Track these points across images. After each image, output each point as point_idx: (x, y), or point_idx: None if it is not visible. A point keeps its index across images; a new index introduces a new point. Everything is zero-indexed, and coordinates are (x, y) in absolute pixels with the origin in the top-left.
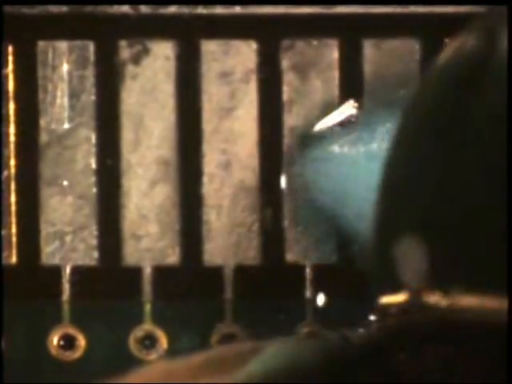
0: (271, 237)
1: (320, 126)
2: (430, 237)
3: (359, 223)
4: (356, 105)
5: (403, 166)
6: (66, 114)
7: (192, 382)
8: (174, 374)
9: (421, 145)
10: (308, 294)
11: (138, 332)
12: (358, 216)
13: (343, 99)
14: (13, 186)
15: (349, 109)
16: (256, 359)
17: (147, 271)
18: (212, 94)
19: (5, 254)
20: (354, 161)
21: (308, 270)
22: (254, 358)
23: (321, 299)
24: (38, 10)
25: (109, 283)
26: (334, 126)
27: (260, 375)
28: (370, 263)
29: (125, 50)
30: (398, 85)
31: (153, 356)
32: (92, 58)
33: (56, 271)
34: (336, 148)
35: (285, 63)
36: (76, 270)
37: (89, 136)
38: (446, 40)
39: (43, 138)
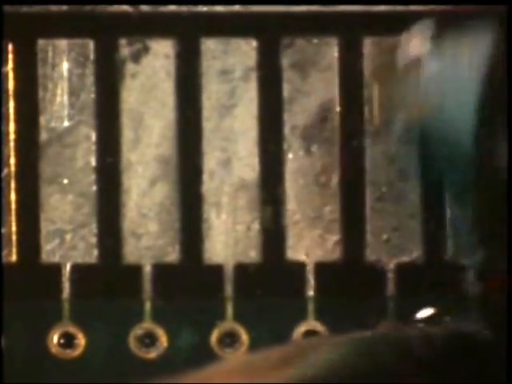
0: (271, 235)
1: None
2: None
3: (452, 128)
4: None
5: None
6: (65, 112)
7: (270, 375)
8: (253, 367)
9: None
10: (309, 292)
11: (138, 330)
12: (452, 120)
13: (343, 97)
14: (13, 184)
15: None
16: (326, 354)
17: (147, 269)
18: (212, 92)
19: (5, 252)
20: (457, 69)
21: (309, 268)
22: (329, 353)
23: (322, 297)
24: (37, 8)
25: (109, 281)
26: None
27: (332, 370)
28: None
29: (125, 49)
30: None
31: (153, 354)
32: (92, 56)
33: (56, 269)
34: (440, 56)
35: (285, 61)
36: (76, 268)
37: (89, 134)
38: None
39: (43, 136)
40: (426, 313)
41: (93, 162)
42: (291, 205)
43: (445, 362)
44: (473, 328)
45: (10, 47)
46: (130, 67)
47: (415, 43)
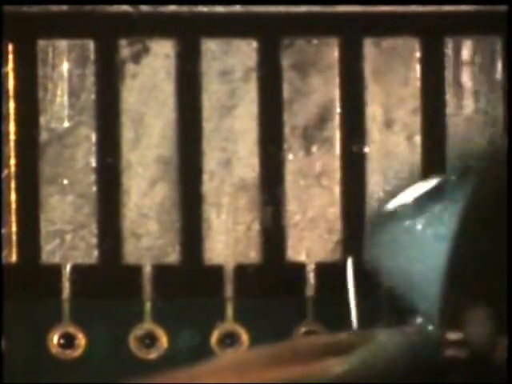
0: (271, 235)
1: (392, 204)
2: (496, 306)
3: (423, 300)
4: (426, 188)
5: (473, 244)
6: (66, 112)
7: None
8: (244, 365)
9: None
10: (309, 292)
11: (138, 331)
12: (423, 294)
13: (344, 98)
14: (13, 185)
15: (418, 190)
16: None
17: (147, 270)
18: (212, 93)
19: (5, 253)
20: (423, 241)
21: (309, 269)
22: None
23: (322, 298)
24: (38, 8)
25: (109, 282)
26: (406, 204)
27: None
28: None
29: (125, 49)
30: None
31: (153, 355)
32: (92, 56)
33: (56, 270)
34: (405, 228)
35: (285, 62)
36: (76, 269)
37: (89, 135)
38: (446, 39)
39: (43, 136)
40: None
41: (93, 162)
42: (291, 205)
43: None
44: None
45: (10, 47)
46: (130, 68)
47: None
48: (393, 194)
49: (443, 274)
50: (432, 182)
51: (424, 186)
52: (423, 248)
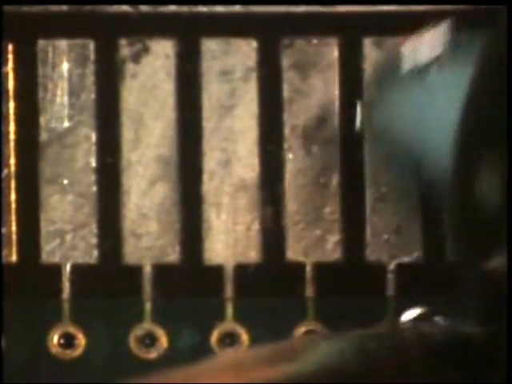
0: (271, 235)
1: (407, 46)
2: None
3: (437, 153)
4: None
5: (488, 92)
6: (66, 112)
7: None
8: (243, 364)
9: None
10: (309, 292)
11: (138, 331)
12: (436, 146)
13: (344, 97)
14: (13, 185)
15: (435, 32)
16: (325, 352)
17: (147, 270)
18: (212, 93)
19: (5, 253)
20: (436, 89)
21: (308, 269)
22: (322, 350)
23: (322, 298)
24: (37, 8)
25: (109, 282)
26: (417, 64)
27: (330, 368)
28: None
29: (125, 49)
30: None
31: (153, 355)
32: (92, 56)
33: (56, 269)
34: (417, 79)
35: (285, 62)
36: (76, 269)
37: (89, 134)
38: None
39: (43, 136)
40: (412, 313)
41: (93, 162)
42: (291, 205)
43: (442, 362)
44: (470, 328)
45: (10, 47)
46: (130, 67)
47: (435, 43)
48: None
49: (457, 121)
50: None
51: (435, 30)
52: (437, 96)
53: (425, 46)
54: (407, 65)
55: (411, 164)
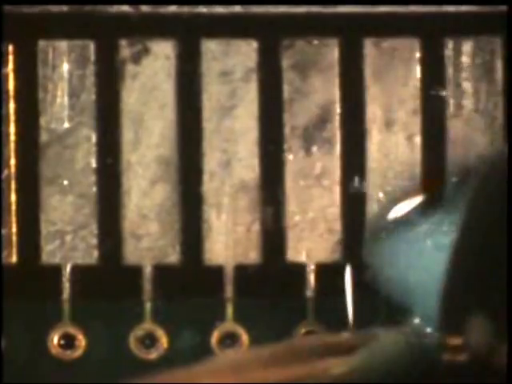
0: (271, 236)
1: (391, 214)
2: (497, 315)
3: (422, 309)
4: (426, 198)
5: (472, 253)
6: (66, 113)
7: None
8: (243, 365)
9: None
10: (308, 292)
11: (139, 331)
12: (422, 303)
13: (343, 99)
14: (13, 185)
15: (417, 200)
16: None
17: (147, 270)
18: (212, 93)
19: (5, 254)
20: (422, 251)
21: (308, 269)
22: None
23: (322, 298)
24: (38, 9)
25: (109, 282)
26: (404, 215)
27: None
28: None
29: (125, 50)
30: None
31: (153, 355)
32: (92, 57)
33: (56, 270)
34: (404, 237)
35: (285, 62)
36: (76, 269)
37: (89, 135)
38: (446, 39)
39: (43, 137)
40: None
41: (93, 163)
42: (291, 206)
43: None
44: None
45: (11, 48)
46: (130, 68)
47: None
48: (392, 196)
49: (443, 282)
50: (429, 195)
51: (422, 197)
52: (423, 257)
53: (411, 212)
54: (396, 229)
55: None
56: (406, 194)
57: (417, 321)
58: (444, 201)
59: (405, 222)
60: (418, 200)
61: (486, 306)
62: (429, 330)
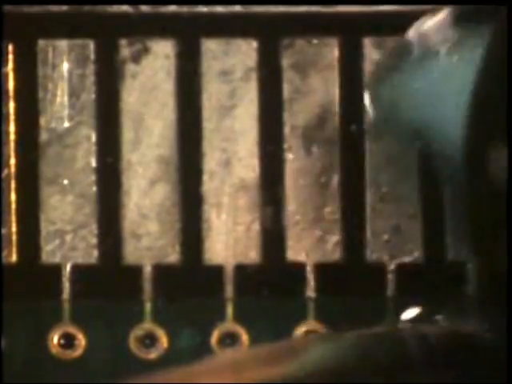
0: (271, 235)
1: (414, 30)
2: None
3: (448, 131)
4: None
5: (501, 69)
6: (66, 112)
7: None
8: (242, 364)
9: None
10: (308, 292)
11: (139, 331)
12: (447, 121)
13: (344, 97)
14: (13, 185)
15: (444, 16)
16: (325, 351)
17: (147, 270)
18: (212, 93)
19: (5, 253)
20: (448, 66)
21: (309, 269)
22: (322, 350)
23: (322, 298)
24: (38, 8)
25: (109, 282)
26: (428, 31)
27: (329, 368)
28: (459, 175)
29: (125, 49)
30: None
31: (153, 355)
32: (92, 56)
33: (56, 270)
34: (429, 54)
35: (285, 62)
36: (76, 269)
37: (89, 135)
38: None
39: (43, 136)
40: (412, 313)
41: (93, 162)
42: (291, 205)
43: (441, 362)
44: (471, 328)
45: (10, 48)
46: (130, 68)
47: (441, 27)
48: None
49: (470, 96)
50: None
51: (444, 14)
52: (449, 73)
53: (431, 30)
54: (415, 49)
55: (419, 146)
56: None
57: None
58: (468, 18)
59: (426, 40)
60: (437, 19)
61: (507, 135)
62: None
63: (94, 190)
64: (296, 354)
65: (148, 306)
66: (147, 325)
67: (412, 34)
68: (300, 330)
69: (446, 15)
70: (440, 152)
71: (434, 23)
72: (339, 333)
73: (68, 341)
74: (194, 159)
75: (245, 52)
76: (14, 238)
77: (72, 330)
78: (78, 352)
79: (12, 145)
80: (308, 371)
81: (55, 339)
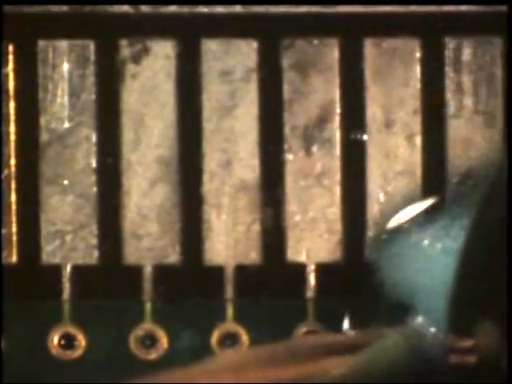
0: (272, 236)
1: (398, 219)
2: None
3: (430, 313)
4: (434, 201)
5: (480, 258)
6: (66, 113)
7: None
8: (242, 366)
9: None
10: (308, 293)
11: (139, 331)
12: (430, 307)
13: (345, 99)
14: (13, 185)
15: (426, 204)
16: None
17: (147, 270)
18: (212, 93)
19: (5, 254)
20: (431, 255)
21: (308, 269)
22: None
23: (322, 298)
24: (38, 8)
25: (109, 282)
26: (411, 220)
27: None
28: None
29: (125, 49)
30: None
31: (153, 355)
32: (92, 57)
33: (56, 270)
34: (413, 242)
35: (285, 62)
36: (76, 269)
37: (89, 135)
38: (446, 39)
39: (43, 137)
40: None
41: (93, 163)
42: (291, 205)
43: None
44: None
45: (11, 48)
46: (130, 68)
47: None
48: (393, 199)
49: (451, 287)
50: (435, 199)
51: (428, 202)
52: (431, 262)
53: (412, 221)
54: (398, 241)
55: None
56: (405, 188)
57: (420, 321)
58: (451, 205)
59: (411, 227)
60: (425, 204)
61: (495, 309)
62: (432, 329)
63: (95, 191)
64: (297, 355)
65: (148, 306)
66: (147, 325)
67: (394, 224)
68: (300, 330)
69: (427, 205)
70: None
71: (415, 213)
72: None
73: (68, 341)
74: (194, 160)
75: (245, 52)
76: (14, 238)
77: (72, 330)
78: (78, 352)
79: (12, 145)
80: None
81: (55, 339)
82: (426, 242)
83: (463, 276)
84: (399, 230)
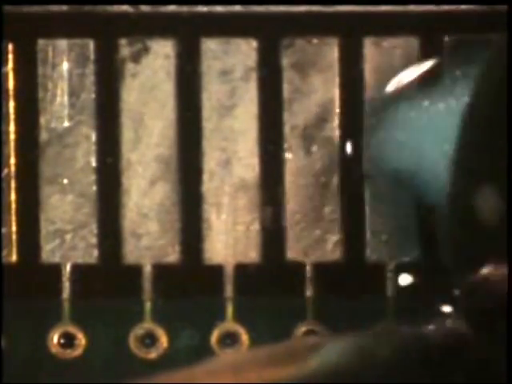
0: (271, 235)
1: (399, 81)
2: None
3: (435, 177)
4: (435, 62)
5: (483, 120)
6: (66, 112)
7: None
8: (242, 366)
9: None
10: (308, 292)
11: (138, 330)
12: (435, 171)
13: (344, 97)
14: (13, 184)
15: (428, 65)
16: (326, 353)
17: (147, 269)
18: (212, 92)
19: (5, 253)
20: (434, 115)
21: (308, 269)
22: (324, 352)
23: (322, 298)
24: (38, 8)
25: (109, 281)
26: (413, 82)
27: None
28: (448, 219)
29: (125, 49)
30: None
31: (153, 355)
32: (92, 56)
33: (56, 269)
34: (414, 105)
35: (285, 61)
36: (76, 269)
37: (89, 134)
38: (446, 38)
39: (43, 136)
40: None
41: (93, 162)
42: (291, 205)
43: (441, 362)
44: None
45: (10, 47)
46: (130, 67)
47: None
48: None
49: (454, 148)
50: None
51: (428, 64)
52: (434, 122)
53: (413, 82)
54: (398, 103)
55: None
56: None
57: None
58: (455, 68)
59: (411, 90)
60: (424, 66)
61: (495, 175)
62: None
63: (94, 190)
64: (298, 355)
65: (148, 306)
66: (147, 324)
67: (394, 87)
68: (300, 330)
69: (427, 66)
70: (427, 201)
71: (415, 75)
72: (340, 334)
73: (68, 340)
74: (194, 159)
75: (245, 52)
76: (14, 237)
77: (72, 329)
78: (77, 352)
79: (12, 144)
80: (310, 372)
81: (55, 339)
82: (427, 102)
83: (465, 139)
84: (399, 92)
